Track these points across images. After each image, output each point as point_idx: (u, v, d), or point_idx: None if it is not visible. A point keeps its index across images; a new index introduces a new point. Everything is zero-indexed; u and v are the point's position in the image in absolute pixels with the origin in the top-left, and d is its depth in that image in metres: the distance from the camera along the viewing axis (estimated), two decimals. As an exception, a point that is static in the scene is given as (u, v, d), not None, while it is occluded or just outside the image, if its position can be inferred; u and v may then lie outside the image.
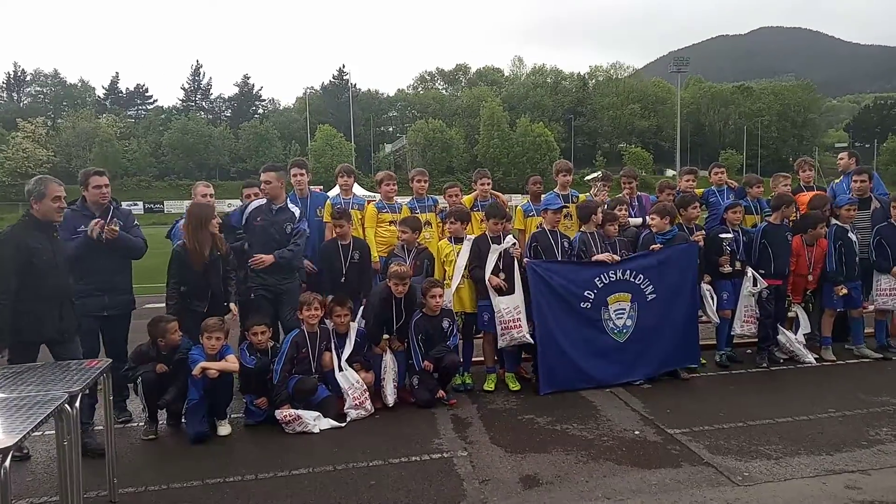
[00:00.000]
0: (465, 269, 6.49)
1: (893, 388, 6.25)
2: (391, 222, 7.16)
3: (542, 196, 7.48)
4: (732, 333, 7.25)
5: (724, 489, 4.26)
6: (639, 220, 7.43)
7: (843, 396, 6.05)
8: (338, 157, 66.18)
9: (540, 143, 79.27)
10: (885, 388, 6.25)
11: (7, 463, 2.65)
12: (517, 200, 16.00)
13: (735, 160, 76.51)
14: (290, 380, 5.69)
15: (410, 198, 7.37)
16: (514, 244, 6.45)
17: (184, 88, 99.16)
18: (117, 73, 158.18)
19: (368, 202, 7.60)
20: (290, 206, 6.45)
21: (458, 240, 6.60)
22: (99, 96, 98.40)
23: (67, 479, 3.39)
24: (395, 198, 7.39)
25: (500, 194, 7.62)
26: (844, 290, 7.13)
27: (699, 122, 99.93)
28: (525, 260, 6.44)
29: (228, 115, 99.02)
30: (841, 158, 8.21)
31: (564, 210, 7.00)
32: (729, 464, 4.63)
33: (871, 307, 7.55)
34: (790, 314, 7.56)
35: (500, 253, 6.32)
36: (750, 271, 7.08)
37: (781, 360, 7.24)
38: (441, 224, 7.25)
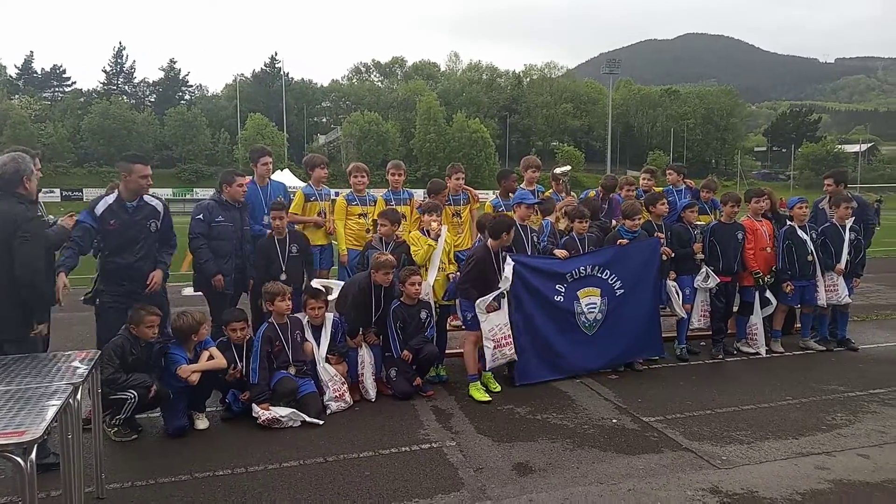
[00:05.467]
0: (440, 261, 6.54)
1: (840, 377, 6.72)
2: (360, 215, 7.14)
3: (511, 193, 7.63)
4: (689, 327, 7.60)
5: (707, 472, 4.49)
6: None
7: (796, 385, 6.46)
8: (269, 147, 64.75)
9: (476, 139, 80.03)
10: (833, 378, 6.71)
11: (33, 455, 2.54)
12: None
13: (662, 161, 79.27)
14: (274, 375, 5.60)
15: (386, 190, 7.35)
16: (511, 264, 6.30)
17: (105, 71, 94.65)
18: (32, 52, 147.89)
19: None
20: (149, 200, 5.49)
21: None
22: (11, 76, 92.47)
23: (71, 474, 3.26)
24: (364, 190, 7.35)
25: (471, 189, 7.70)
26: (791, 287, 7.57)
27: (628, 123, 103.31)
28: (503, 253, 6.51)
29: (153, 100, 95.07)
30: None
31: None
32: (706, 449, 4.88)
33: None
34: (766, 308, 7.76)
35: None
36: (704, 267, 7.45)
37: (735, 352, 7.66)
38: (419, 218, 7.28)
